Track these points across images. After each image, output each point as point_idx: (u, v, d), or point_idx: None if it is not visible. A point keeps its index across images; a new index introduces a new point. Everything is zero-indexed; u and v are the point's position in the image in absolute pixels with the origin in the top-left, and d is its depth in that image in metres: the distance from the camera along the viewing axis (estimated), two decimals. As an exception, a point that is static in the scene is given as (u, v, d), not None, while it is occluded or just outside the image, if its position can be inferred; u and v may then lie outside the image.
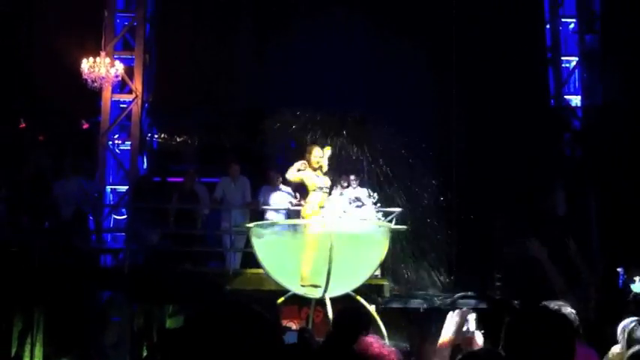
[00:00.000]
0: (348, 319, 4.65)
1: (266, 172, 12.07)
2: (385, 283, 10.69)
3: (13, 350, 10.97)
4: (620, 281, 11.78)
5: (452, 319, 3.29)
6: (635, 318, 4.02)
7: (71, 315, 11.36)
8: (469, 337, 3.27)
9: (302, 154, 9.11)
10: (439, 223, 12.88)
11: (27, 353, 10.97)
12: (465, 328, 3.28)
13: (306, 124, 14.55)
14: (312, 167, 8.69)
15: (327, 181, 8.75)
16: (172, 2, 15.11)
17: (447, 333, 3.27)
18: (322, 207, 8.67)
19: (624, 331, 3.94)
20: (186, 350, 1.66)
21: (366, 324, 4.79)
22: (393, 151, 14.32)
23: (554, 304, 3.89)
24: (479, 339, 3.24)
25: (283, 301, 8.70)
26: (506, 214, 12.53)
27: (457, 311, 3.31)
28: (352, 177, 13.09)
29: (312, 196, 8.64)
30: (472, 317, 3.32)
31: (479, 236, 12.36)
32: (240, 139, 14.78)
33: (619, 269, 11.74)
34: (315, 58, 14.89)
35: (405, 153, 14.12)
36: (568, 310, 3.90)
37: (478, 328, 3.30)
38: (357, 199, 11.23)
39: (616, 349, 4.00)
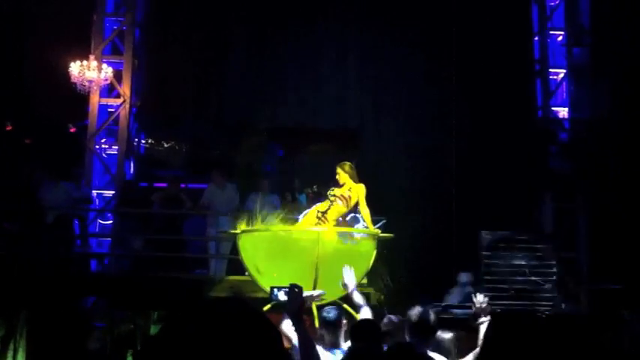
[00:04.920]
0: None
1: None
2: (372, 291, 10.65)
3: (-5, 355, 10.84)
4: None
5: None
6: None
7: (54, 320, 11.24)
8: None
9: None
10: (426, 236, 12.88)
11: (9, 359, 10.84)
12: None
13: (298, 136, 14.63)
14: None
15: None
16: (163, 8, 15.07)
17: None
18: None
19: None
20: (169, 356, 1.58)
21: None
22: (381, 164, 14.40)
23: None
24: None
25: (269, 309, 8.62)
26: (493, 228, 12.51)
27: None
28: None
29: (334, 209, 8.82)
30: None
31: (467, 251, 12.28)
32: (229, 148, 14.76)
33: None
34: (308, 70, 14.92)
35: (396, 167, 14.21)
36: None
37: None
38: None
39: None
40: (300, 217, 9.09)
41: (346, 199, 8.89)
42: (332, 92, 14.82)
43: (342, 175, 8.96)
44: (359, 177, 9.00)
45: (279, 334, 1.66)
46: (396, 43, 14.39)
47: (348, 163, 9.12)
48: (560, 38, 14.80)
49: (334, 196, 8.87)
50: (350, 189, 8.91)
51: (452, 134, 12.83)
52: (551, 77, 14.63)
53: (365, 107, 14.86)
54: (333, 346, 5.52)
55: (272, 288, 4.84)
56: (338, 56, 14.92)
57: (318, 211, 8.79)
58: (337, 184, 9.05)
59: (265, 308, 8.41)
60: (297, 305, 4.10)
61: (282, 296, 4.53)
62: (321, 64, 14.91)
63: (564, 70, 14.57)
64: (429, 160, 13.86)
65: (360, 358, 4.25)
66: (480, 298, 4.99)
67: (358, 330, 5.00)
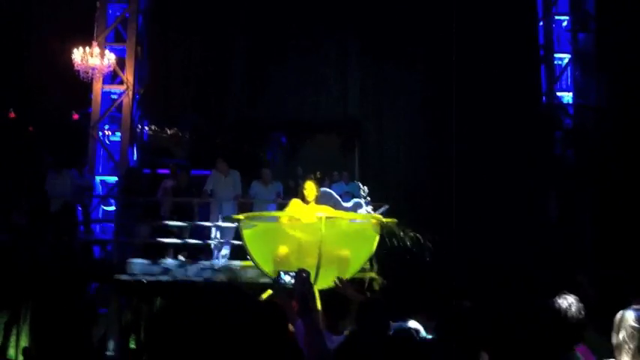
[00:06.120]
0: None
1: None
2: (375, 276, 10.65)
3: (-1, 341, 10.89)
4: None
5: None
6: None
7: (58, 306, 11.27)
8: None
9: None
10: (429, 225, 12.84)
11: (12, 344, 10.89)
12: None
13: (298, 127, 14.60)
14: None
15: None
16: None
17: None
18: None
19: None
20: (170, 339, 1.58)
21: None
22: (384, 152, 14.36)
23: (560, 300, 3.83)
24: None
25: (271, 294, 8.62)
26: (498, 217, 12.45)
27: None
28: (345, 173, 13.16)
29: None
30: None
31: (471, 240, 12.20)
32: (231, 135, 14.74)
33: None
34: (310, 60, 14.86)
35: (398, 155, 14.18)
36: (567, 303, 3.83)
37: None
38: (348, 193, 11.23)
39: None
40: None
41: None
42: (333, 83, 14.78)
43: (312, 193, 8.72)
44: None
45: (273, 319, 1.64)
46: (398, 29, 14.28)
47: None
48: (565, 23, 14.71)
49: None
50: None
51: (455, 120, 12.75)
52: (555, 62, 14.54)
53: (366, 95, 14.80)
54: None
55: (279, 272, 4.81)
56: (339, 48, 14.85)
57: None
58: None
59: (267, 293, 8.42)
60: (304, 289, 4.07)
61: (289, 280, 4.49)
62: (323, 54, 14.86)
63: (569, 56, 14.49)
64: (432, 148, 13.81)
65: (360, 343, 4.23)
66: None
67: (362, 313, 4.94)
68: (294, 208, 8.75)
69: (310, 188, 8.69)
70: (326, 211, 8.74)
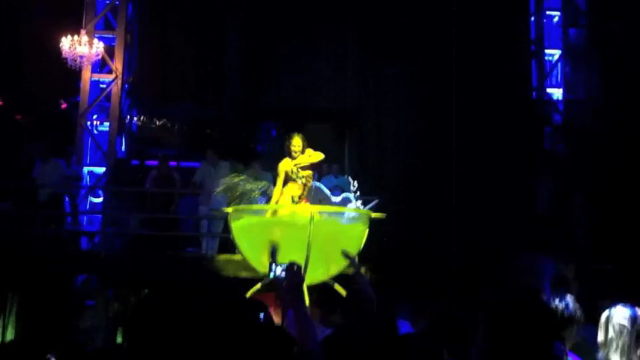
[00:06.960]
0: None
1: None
2: (363, 271, 10.63)
3: (-15, 332, 10.82)
4: None
5: None
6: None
7: (45, 298, 11.22)
8: None
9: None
10: (417, 220, 12.85)
11: (-1, 336, 10.84)
12: None
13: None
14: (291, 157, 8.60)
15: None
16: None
17: None
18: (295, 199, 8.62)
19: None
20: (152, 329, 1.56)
21: None
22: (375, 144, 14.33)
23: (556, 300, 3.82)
24: None
25: (260, 288, 8.61)
26: (488, 212, 12.46)
27: None
28: (335, 166, 13.11)
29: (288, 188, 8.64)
30: None
31: (460, 236, 12.19)
32: (222, 126, 14.66)
33: None
34: (306, 49, 14.75)
35: (391, 146, 14.16)
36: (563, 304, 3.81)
37: None
38: (337, 187, 11.19)
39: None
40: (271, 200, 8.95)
41: (309, 178, 8.75)
42: (330, 72, 14.71)
43: (299, 147, 8.58)
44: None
45: (256, 314, 1.63)
46: (393, 23, 14.20)
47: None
48: (556, 19, 14.69)
49: (304, 177, 8.68)
50: (310, 174, 8.68)
51: (452, 116, 12.71)
52: (546, 58, 14.53)
53: (363, 88, 14.74)
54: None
55: (271, 264, 4.78)
56: (337, 36, 14.74)
57: (293, 197, 8.66)
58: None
59: (256, 287, 8.40)
60: (295, 282, 4.03)
61: (280, 273, 4.46)
62: (320, 42, 14.76)
63: (559, 51, 14.47)
64: (425, 142, 13.78)
65: (349, 333, 4.21)
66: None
67: (350, 304, 4.91)
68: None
69: (297, 143, 8.55)
70: (308, 158, 8.56)
